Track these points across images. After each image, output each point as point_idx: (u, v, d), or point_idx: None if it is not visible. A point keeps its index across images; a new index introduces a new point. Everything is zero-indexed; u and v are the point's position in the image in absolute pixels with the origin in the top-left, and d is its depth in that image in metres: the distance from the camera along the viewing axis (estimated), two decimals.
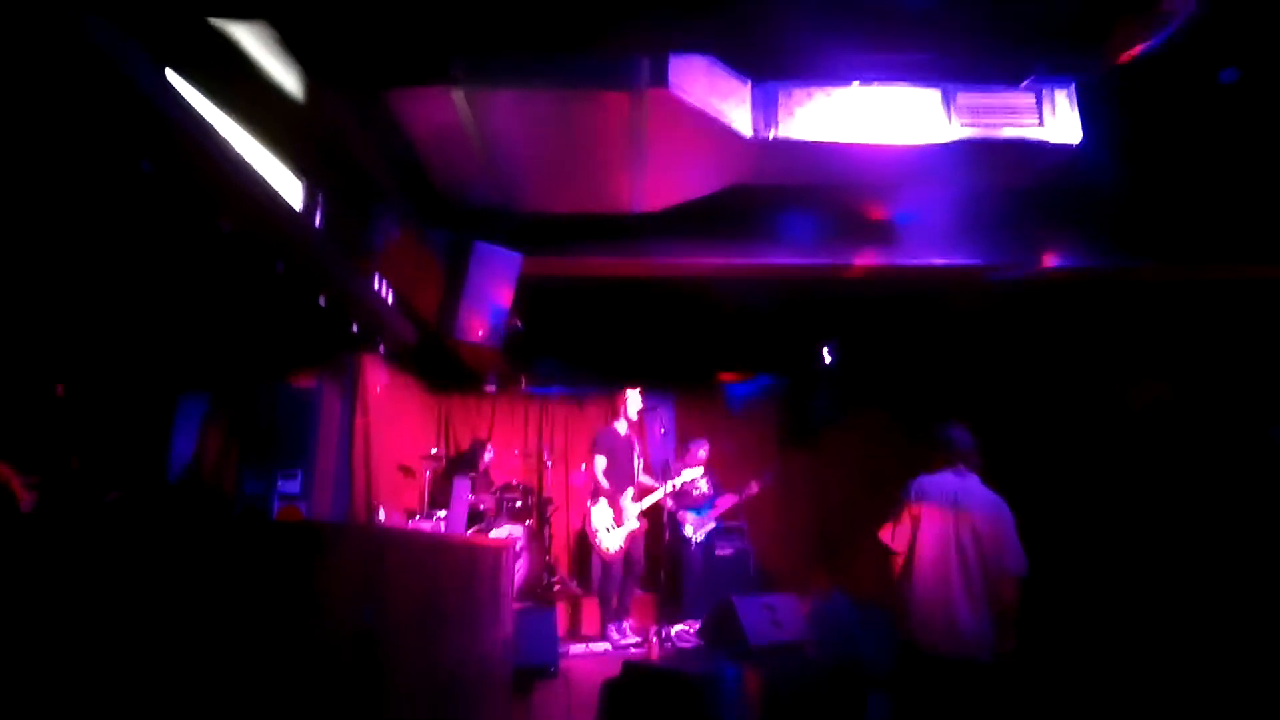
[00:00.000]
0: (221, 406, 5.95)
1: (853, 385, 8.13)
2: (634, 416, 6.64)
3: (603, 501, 6.38)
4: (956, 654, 3.58)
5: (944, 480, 3.83)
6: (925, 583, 3.68)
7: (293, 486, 5.75)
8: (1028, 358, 7.23)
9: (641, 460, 6.72)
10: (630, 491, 6.42)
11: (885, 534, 3.91)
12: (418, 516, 6.85)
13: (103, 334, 4.84)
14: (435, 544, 4.54)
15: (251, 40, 3.11)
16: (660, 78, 3.89)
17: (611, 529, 6.30)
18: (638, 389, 6.68)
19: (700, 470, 6.93)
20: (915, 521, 3.79)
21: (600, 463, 6.43)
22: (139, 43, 2.56)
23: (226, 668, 2.20)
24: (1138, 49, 3.39)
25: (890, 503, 3.97)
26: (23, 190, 2.92)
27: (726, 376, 8.76)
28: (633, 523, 6.33)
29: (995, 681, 3.62)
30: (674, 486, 6.68)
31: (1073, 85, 4.31)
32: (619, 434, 6.58)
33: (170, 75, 2.85)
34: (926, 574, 3.69)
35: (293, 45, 3.26)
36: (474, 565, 4.56)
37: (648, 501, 6.51)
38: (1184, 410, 6.44)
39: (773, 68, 4.31)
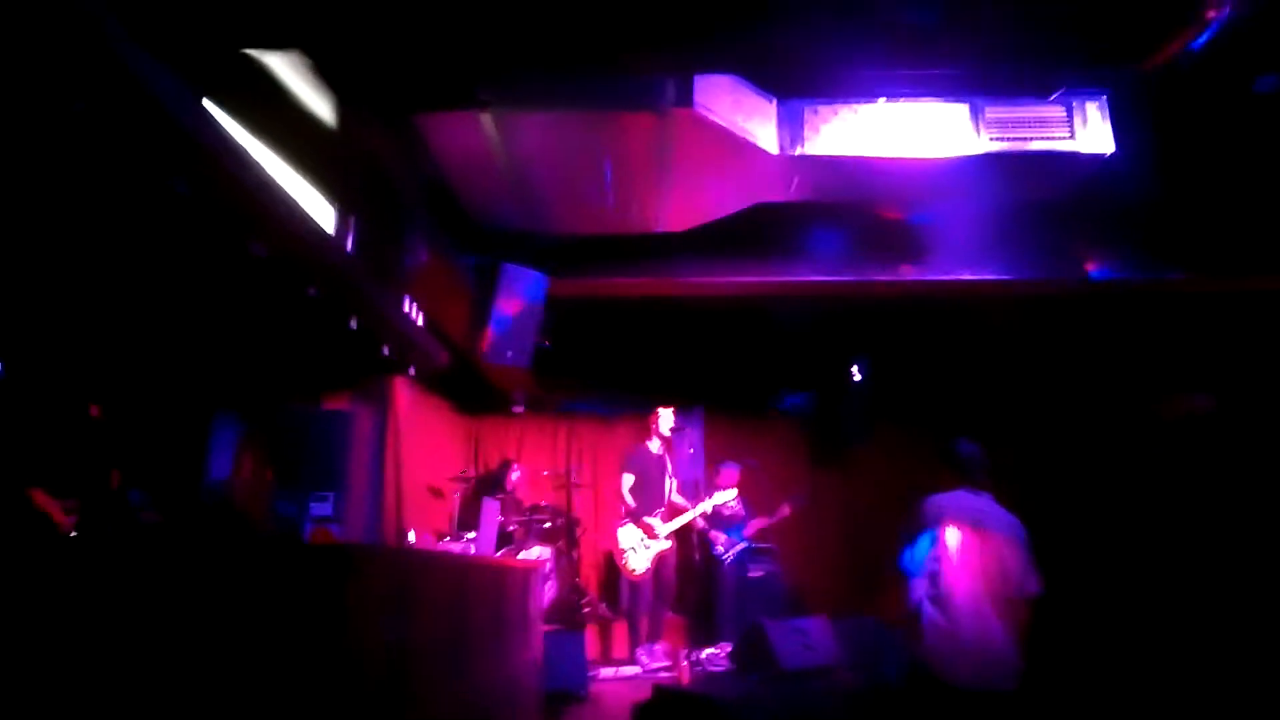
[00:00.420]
0: (255, 429, 6.02)
1: (883, 403, 8.03)
2: (667, 435, 6.60)
3: (630, 522, 6.34)
4: (988, 684, 3.38)
5: (962, 499, 3.62)
6: (955, 609, 3.44)
7: (325, 508, 5.77)
8: (1061, 372, 7.11)
9: (675, 480, 6.67)
10: (660, 511, 6.37)
11: (902, 557, 3.72)
12: (447, 538, 6.86)
13: (140, 355, 4.94)
14: (465, 566, 4.54)
15: (284, 68, 3.18)
16: (686, 98, 3.91)
17: (639, 549, 6.25)
18: (670, 407, 6.64)
19: (734, 493, 6.86)
20: (935, 543, 3.55)
21: (627, 481, 6.40)
22: (177, 72, 2.62)
23: (262, 687, 2.20)
24: (1170, 53, 3.33)
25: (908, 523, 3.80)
26: (62, 213, 3.01)
27: (756, 396, 8.69)
28: (662, 543, 6.28)
29: (1019, 709, 3.48)
30: (708, 509, 6.62)
31: (1104, 97, 4.26)
32: (651, 453, 6.55)
33: (207, 103, 2.92)
34: (956, 599, 3.45)
35: (325, 72, 3.33)
36: (503, 587, 4.54)
37: (678, 522, 6.45)
38: (1221, 423, 6.29)
39: (798, 85, 4.32)
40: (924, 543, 3.58)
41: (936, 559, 3.52)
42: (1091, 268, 5.50)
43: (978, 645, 3.40)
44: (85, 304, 4.00)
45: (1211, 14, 3.14)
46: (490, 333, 5.11)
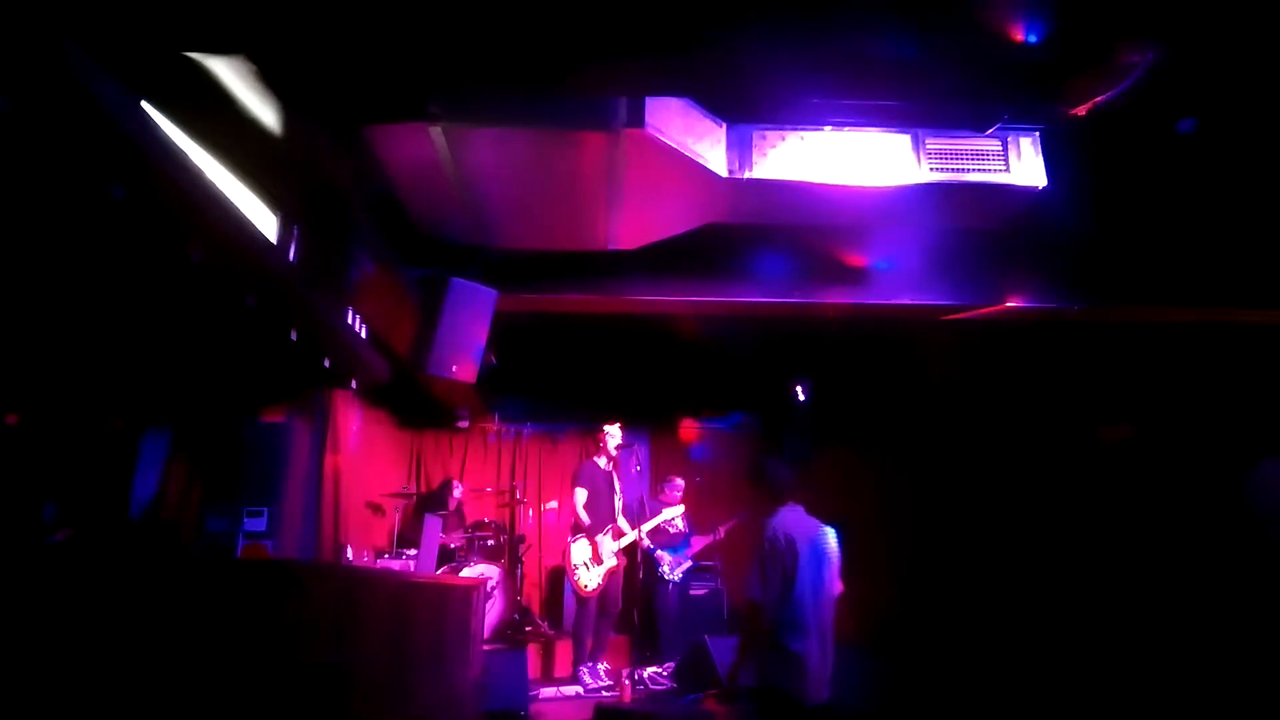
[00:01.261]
0: (187, 441, 5.83)
1: (826, 424, 8.17)
2: (614, 452, 6.59)
3: (582, 538, 6.30)
4: (827, 698, 3.45)
5: (795, 519, 3.66)
6: (806, 634, 3.44)
7: (259, 524, 5.62)
8: (998, 396, 7.34)
9: (621, 498, 6.66)
10: (610, 529, 6.35)
11: (753, 587, 3.55)
12: (387, 555, 6.72)
13: (66, 363, 4.74)
14: (404, 583, 4.46)
15: (229, 74, 3.12)
16: (637, 118, 3.96)
17: (590, 566, 6.21)
18: (618, 424, 6.63)
19: (681, 509, 6.86)
20: (788, 570, 3.49)
21: (580, 496, 6.36)
22: (116, 74, 2.55)
23: (192, 709, 2.13)
24: (1098, 98, 3.51)
25: (761, 549, 3.71)
26: None
27: (701, 414, 8.76)
28: (611, 560, 6.26)
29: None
30: (655, 525, 6.61)
31: (1037, 133, 4.46)
32: (600, 468, 6.53)
33: (146, 107, 2.84)
34: (807, 624, 3.44)
35: (271, 80, 3.27)
36: (444, 605, 4.47)
37: (626, 539, 6.43)
38: (1148, 449, 6.59)
39: (747, 110, 4.42)
40: (775, 570, 3.52)
41: (790, 585, 3.50)
42: (1020, 298, 5.71)
43: (823, 665, 3.47)
44: (9, 308, 3.83)
45: (1134, 59, 3.31)
46: (436, 347, 5.04)
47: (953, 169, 4.42)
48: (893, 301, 5.78)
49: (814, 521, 3.71)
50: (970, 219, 4.89)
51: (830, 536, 3.67)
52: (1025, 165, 4.41)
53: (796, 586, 3.48)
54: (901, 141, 4.45)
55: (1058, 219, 4.79)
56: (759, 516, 3.74)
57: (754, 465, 3.90)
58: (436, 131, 3.92)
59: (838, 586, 3.61)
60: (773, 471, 3.80)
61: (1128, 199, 4.92)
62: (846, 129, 4.46)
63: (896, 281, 5.75)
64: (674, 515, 6.77)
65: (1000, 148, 4.40)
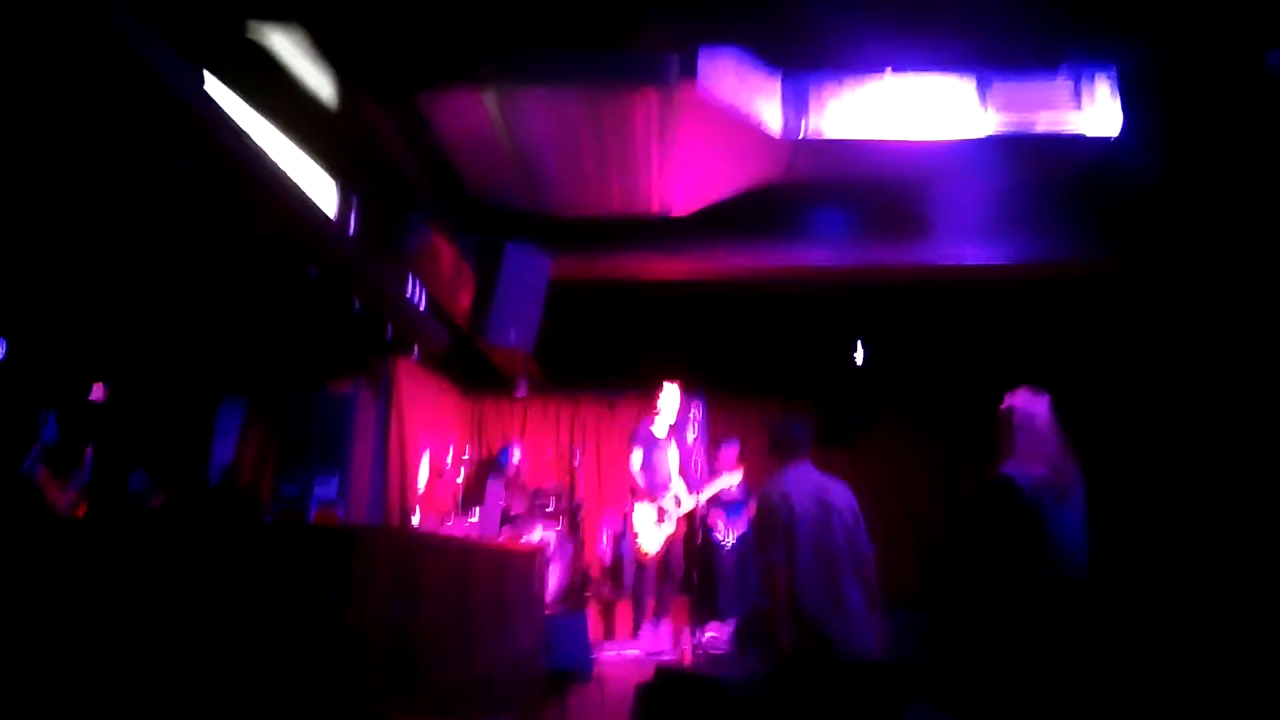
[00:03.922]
0: (260, 411, 6.04)
1: (885, 388, 8.02)
2: (671, 415, 6.58)
3: (644, 500, 6.33)
4: (865, 650, 3.37)
5: (798, 476, 3.51)
6: (821, 590, 3.32)
7: (330, 490, 5.79)
8: (1063, 358, 7.07)
9: (680, 461, 6.66)
10: (670, 493, 6.37)
11: (766, 549, 3.44)
12: (451, 519, 6.88)
13: (145, 338, 4.94)
14: (468, 547, 4.55)
15: (285, 44, 3.15)
16: (690, 73, 3.87)
17: (651, 530, 6.25)
18: (676, 386, 6.61)
19: (739, 476, 6.82)
20: (785, 527, 3.35)
21: (636, 458, 6.38)
22: (175, 47, 2.60)
23: (265, 667, 2.21)
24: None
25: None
26: (65, 192, 2.99)
27: (757, 378, 8.68)
28: (671, 524, 6.29)
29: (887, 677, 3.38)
30: (714, 491, 6.60)
31: (1112, 73, 4.20)
32: (656, 432, 6.55)
33: (207, 79, 2.89)
34: (818, 581, 3.32)
35: (325, 48, 3.29)
36: (506, 568, 4.56)
37: (686, 506, 6.44)
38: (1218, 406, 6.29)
39: (803, 57, 4.25)
40: (779, 526, 3.39)
41: (792, 542, 3.36)
42: (1089, 252, 5.46)
43: (842, 622, 3.34)
44: (88, 284, 3.99)
45: None
46: (493, 314, 5.08)
47: (1021, 114, 4.19)
48: (956, 262, 5.59)
49: (823, 477, 3.54)
50: (1040, 169, 4.66)
51: (844, 493, 3.50)
52: (1099, 108, 4.15)
53: (798, 542, 3.34)
54: (966, 86, 4.23)
55: (1133, 166, 4.54)
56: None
57: (770, 425, 3.73)
58: (489, 96, 3.91)
59: (867, 546, 3.46)
60: (785, 429, 3.63)
61: (1210, 142, 4.63)
62: (908, 73, 4.26)
63: (960, 239, 5.55)
64: (730, 483, 6.74)
65: (1072, 89, 4.16)
